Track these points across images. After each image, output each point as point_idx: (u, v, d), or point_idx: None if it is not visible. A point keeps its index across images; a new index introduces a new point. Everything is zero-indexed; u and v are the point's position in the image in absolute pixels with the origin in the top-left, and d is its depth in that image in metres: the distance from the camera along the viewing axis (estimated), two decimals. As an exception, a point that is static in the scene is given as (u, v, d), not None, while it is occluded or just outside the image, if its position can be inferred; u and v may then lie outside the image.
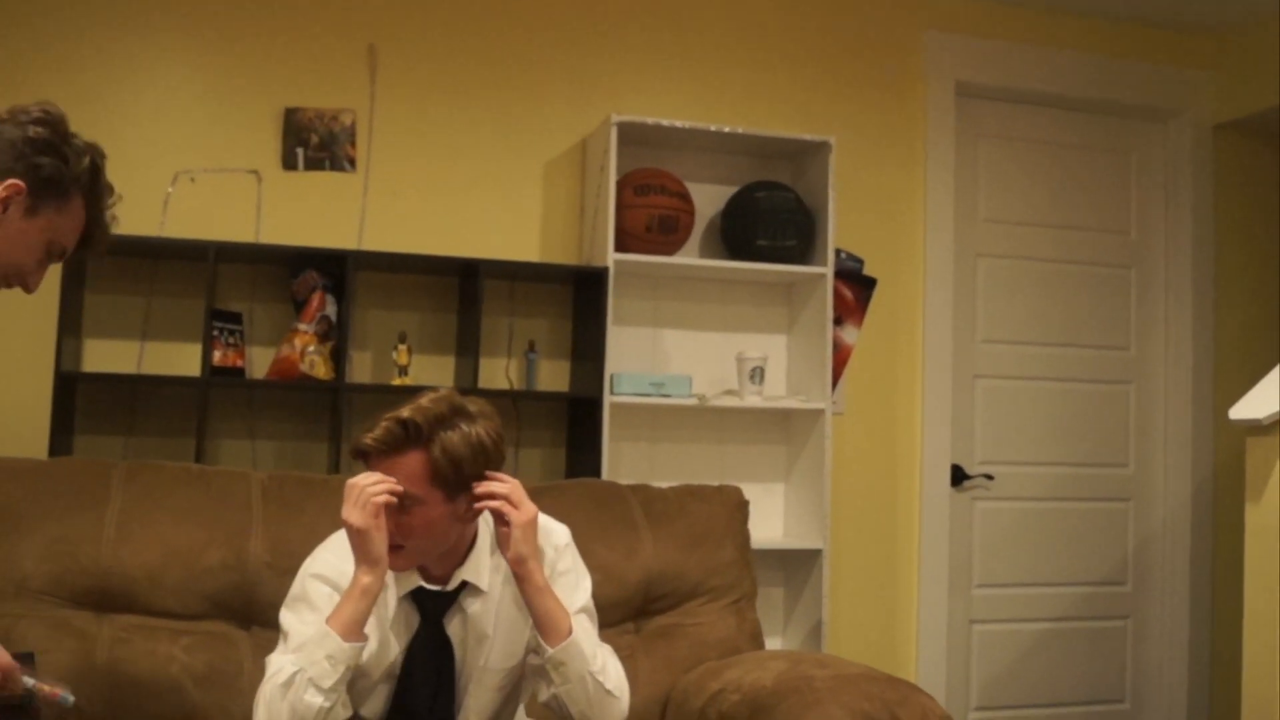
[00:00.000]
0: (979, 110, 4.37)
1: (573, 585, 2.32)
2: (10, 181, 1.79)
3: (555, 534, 2.37)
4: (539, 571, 2.19)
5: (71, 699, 1.95)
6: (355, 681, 2.15)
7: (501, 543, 2.20)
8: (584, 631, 2.22)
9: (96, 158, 1.91)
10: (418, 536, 2.12)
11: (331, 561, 2.23)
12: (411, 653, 2.22)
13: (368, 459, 2.13)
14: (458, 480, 2.12)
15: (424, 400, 2.14)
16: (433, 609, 2.24)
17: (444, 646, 2.24)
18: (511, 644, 2.28)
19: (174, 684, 2.50)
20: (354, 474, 2.15)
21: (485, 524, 2.28)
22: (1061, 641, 4.37)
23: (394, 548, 2.11)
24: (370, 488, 2.07)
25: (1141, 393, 4.53)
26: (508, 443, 2.35)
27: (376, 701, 2.23)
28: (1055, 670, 4.36)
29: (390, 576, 2.20)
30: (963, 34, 4.27)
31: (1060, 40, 4.37)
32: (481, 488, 2.15)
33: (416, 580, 2.23)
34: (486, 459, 2.15)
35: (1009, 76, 4.31)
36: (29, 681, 1.93)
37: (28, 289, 1.92)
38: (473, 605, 2.25)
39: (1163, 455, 4.51)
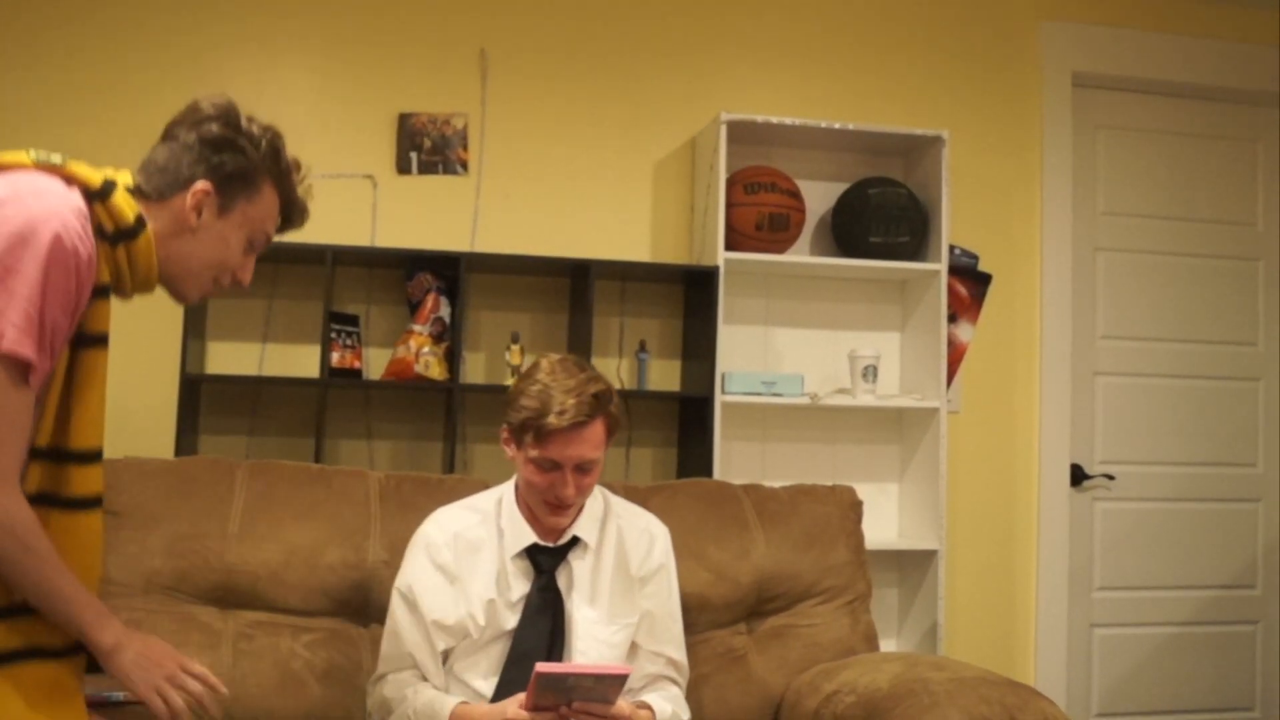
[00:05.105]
0: (1096, 100, 4.27)
1: (668, 589, 2.51)
2: (197, 187, 1.80)
3: (658, 540, 2.51)
4: None
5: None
6: (466, 653, 2.33)
7: None
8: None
9: (274, 140, 1.89)
10: (586, 494, 2.32)
11: (440, 520, 2.42)
12: (528, 605, 2.34)
13: (562, 433, 2.21)
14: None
15: (576, 371, 2.27)
16: (546, 563, 2.37)
17: (556, 598, 2.36)
18: (616, 599, 2.40)
19: (297, 679, 2.55)
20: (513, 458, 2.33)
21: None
22: (1187, 647, 4.25)
23: (566, 508, 2.31)
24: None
25: (1271, 389, 4.38)
26: (619, 443, 2.44)
27: (490, 659, 2.33)
28: (1181, 676, 4.24)
29: (503, 536, 2.37)
30: (1079, 22, 4.17)
31: (1180, 26, 4.24)
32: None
33: (531, 536, 2.36)
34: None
35: (1127, 65, 4.20)
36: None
37: (243, 284, 1.93)
38: (580, 559, 2.39)
39: (1294, 454, 4.37)
